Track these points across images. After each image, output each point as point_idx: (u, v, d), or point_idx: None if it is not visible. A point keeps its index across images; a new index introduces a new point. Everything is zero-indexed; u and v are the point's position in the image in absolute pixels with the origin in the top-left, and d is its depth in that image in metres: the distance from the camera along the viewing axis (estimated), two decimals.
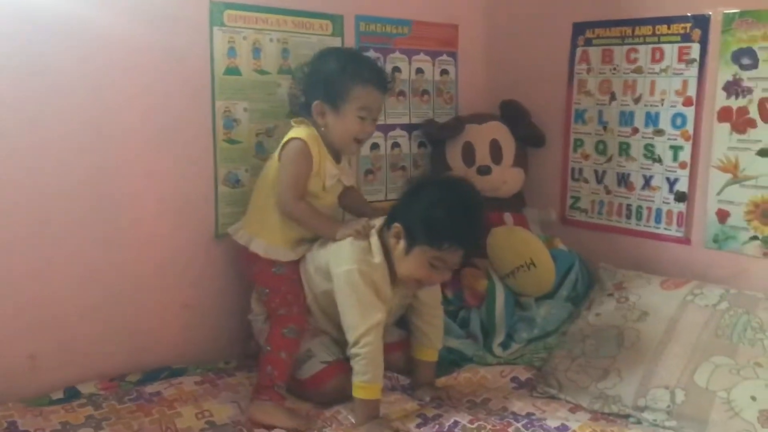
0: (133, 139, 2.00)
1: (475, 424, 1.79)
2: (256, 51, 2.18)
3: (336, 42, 2.33)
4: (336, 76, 1.97)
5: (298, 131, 1.98)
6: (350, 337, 1.84)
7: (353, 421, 1.82)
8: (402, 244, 1.87)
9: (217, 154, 2.14)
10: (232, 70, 2.14)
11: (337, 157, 2.05)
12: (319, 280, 1.98)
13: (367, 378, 1.81)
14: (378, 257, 1.89)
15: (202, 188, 2.14)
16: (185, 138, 2.09)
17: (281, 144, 1.99)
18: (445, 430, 1.78)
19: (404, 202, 1.94)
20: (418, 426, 1.82)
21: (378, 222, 1.97)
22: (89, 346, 1.99)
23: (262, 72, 2.20)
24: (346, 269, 1.86)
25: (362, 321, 1.82)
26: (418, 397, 1.98)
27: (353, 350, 1.83)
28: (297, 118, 2.04)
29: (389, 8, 2.47)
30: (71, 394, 1.89)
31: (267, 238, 2.01)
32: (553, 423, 1.80)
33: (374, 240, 1.91)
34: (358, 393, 1.82)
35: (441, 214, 1.83)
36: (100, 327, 2.01)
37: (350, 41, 2.37)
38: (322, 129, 1.99)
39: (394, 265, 1.91)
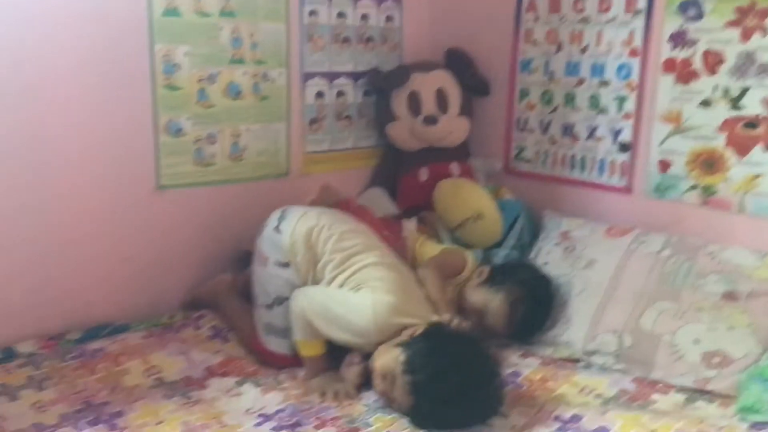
0: (64, 85, 1.87)
1: None
2: None
3: None
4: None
5: None
6: None
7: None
8: None
9: (157, 101, 2.03)
10: (171, 12, 2.02)
11: None
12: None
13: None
14: None
15: (142, 137, 2.03)
16: (122, 84, 1.97)
17: None
18: None
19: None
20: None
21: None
22: (24, 306, 1.89)
23: (203, 14, 2.08)
24: None
25: None
26: None
27: None
28: None
29: None
30: (8, 354, 1.80)
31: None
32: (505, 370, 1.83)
33: None
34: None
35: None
36: (36, 285, 1.90)
37: None
38: None
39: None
